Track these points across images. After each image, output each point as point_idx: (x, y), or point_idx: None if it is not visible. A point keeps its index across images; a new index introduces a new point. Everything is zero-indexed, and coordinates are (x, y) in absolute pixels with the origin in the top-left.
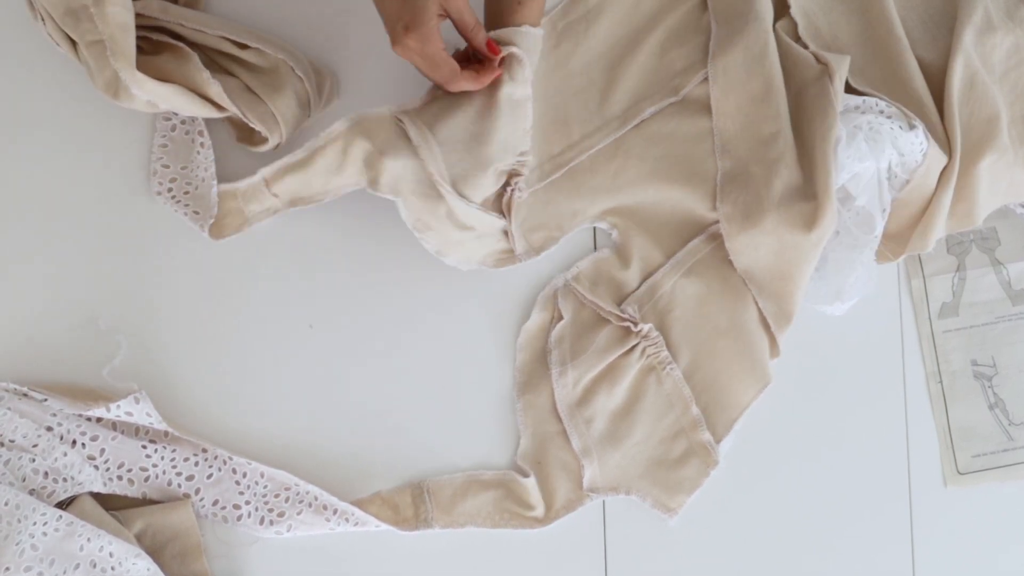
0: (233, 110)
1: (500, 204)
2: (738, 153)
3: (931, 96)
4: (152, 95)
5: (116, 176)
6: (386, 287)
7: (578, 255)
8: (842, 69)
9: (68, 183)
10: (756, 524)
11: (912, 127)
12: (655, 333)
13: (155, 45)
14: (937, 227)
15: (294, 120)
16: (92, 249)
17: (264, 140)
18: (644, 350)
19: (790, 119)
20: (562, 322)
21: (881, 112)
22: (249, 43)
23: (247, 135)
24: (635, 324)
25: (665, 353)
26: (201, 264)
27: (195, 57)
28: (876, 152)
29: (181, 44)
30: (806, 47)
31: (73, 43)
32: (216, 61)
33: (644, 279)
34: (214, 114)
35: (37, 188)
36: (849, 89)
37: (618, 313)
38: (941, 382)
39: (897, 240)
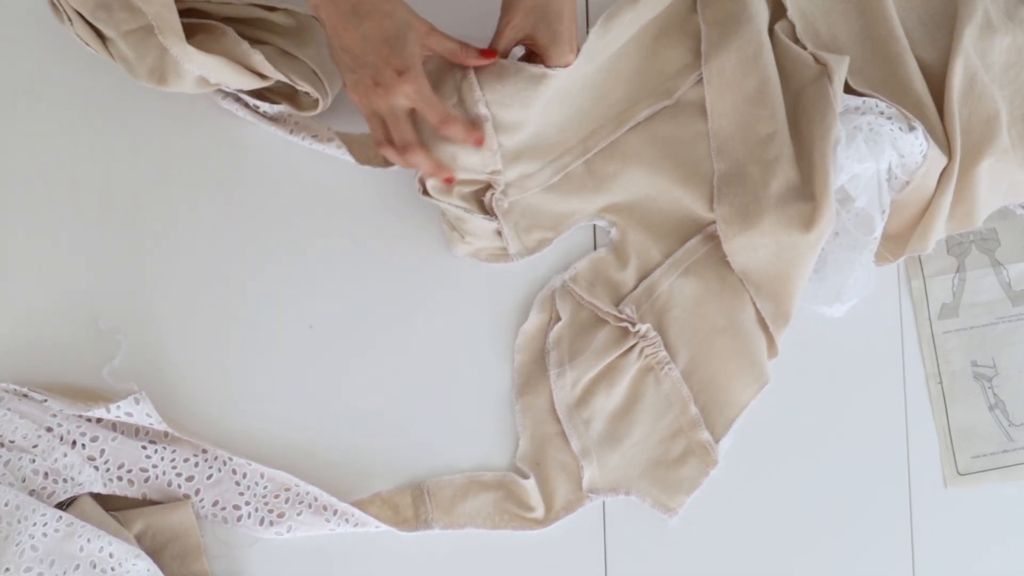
0: (277, 75)
1: (483, 207)
2: (735, 154)
3: (931, 97)
4: (203, 68)
5: (117, 176)
6: (386, 287)
7: (575, 255)
8: (841, 70)
9: (68, 184)
10: (756, 525)
11: (912, 128)
12: (653, 333)
13: (187, 29)
14: (937, 228)
15: (332, 72)
16: (92, 249)
17: (313, 103)
18: (642, 350)
19: (788, 119)
20: (560, 323)
21: (881, 113)
22: (277, 5)
23: (294, 101)
24: (633, 324)
25: (663, 353)
26: (201, 264)
27: (230, 31)
28: (876, 153)
29: (214, 22)
30: (804, 48)
31: (102, 40)
32: (246, 34)
33: (641, 279)
34: (259, 84)
35: (37, 189)
36: (848, 90)
37: (616, 313)
38: (941, 383)
39: (897, 241)
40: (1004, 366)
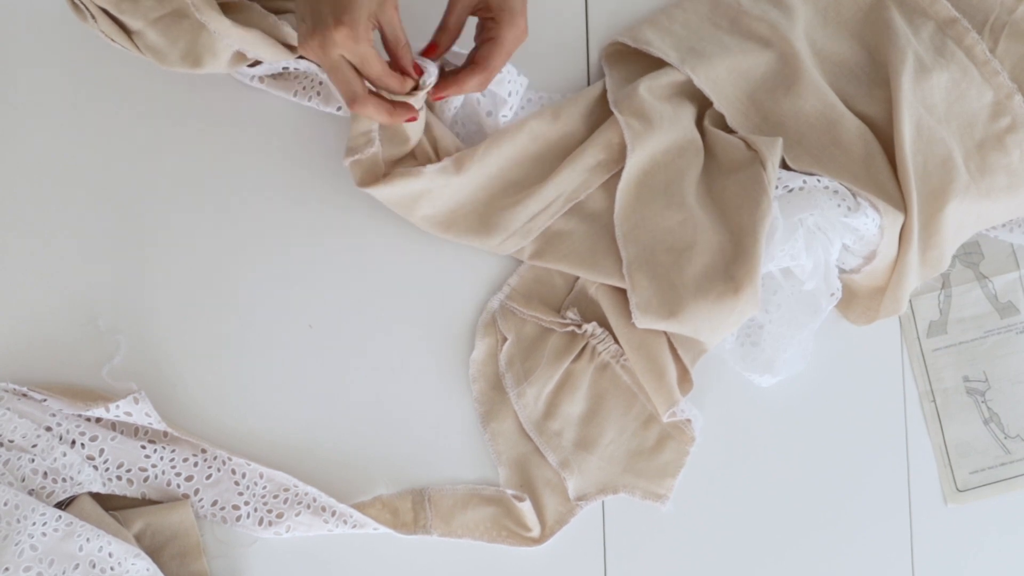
0: None
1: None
2: (642, 240)
3: (881, 149)
4: (242, 43)
5: (116, 176)
6: (388, 287)
7: (507, 272)
8: (774, 154)
9: (67, 183)
10: (757, 545)
11: (858, 204)
12: (600, 330)
13: None
14: (907, 286)
15: None
16: (92, 249)
17: None
18: (594, 349)
19: (717, 204)
20: (508, 343)
21: (826, 188)
22: None
23: None
24: (579, 326)
25: (615, 346)
26: (201, 264)
27: (255, 6)
28: (815, 249)
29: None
30: (734, 133)
31: (127, 34)
32: (268, 7)
33: (573, 282)
34: (291, 55)
35: (36, 188)
36: (789, 168)
37: (560, 320)
38: (934, 401)
39: (871, 298)
40: (996, 379)
